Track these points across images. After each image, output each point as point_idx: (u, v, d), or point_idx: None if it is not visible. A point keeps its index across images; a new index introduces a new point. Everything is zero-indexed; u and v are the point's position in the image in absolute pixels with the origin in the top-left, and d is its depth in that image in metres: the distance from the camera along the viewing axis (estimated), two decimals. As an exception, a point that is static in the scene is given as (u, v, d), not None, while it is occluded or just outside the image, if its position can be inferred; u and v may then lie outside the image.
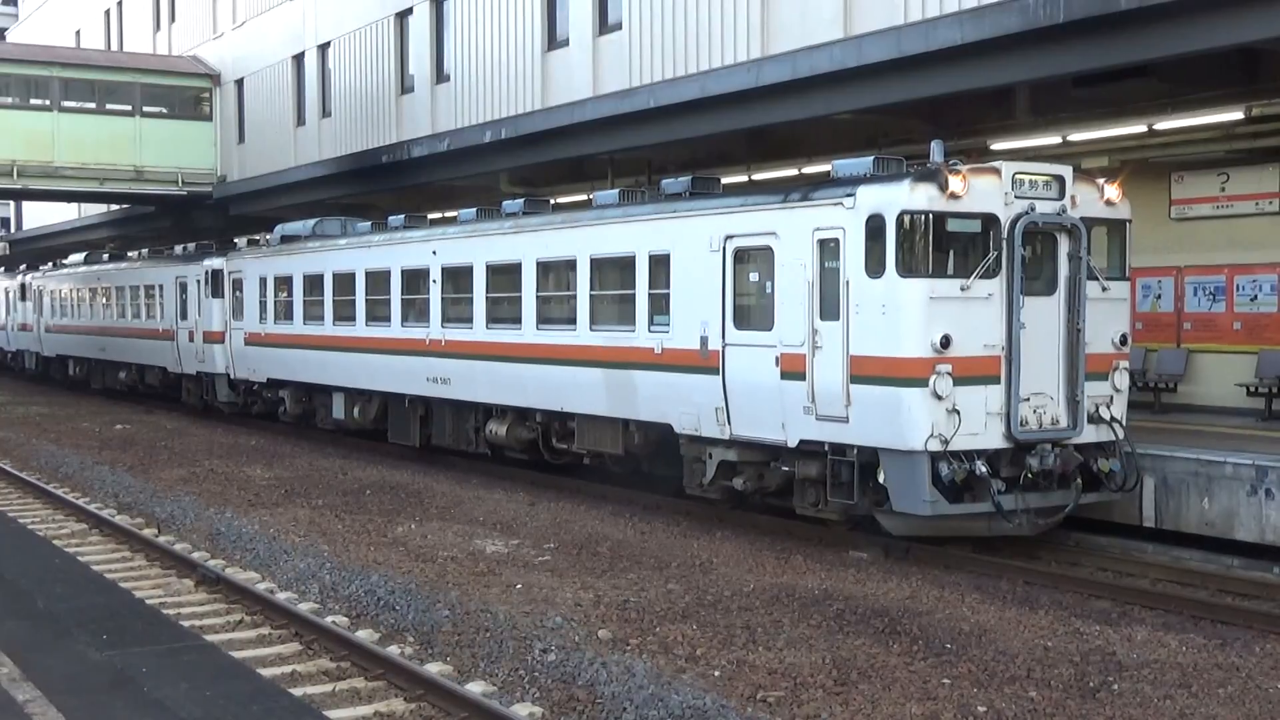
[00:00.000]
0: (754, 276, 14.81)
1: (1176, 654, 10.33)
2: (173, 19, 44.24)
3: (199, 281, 29.99)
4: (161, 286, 32.40)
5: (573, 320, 17.68)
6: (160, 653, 9.76)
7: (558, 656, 9.88)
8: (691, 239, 15.56)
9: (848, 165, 14.29)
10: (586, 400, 17.49)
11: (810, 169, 20.50)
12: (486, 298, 19.60)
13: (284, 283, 26.08)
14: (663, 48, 21.94)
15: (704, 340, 15.33)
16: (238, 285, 28.06)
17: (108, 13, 50.08)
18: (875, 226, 13.16)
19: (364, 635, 10.88)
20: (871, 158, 14.10)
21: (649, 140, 22.39)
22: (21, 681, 8.82)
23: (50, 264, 46.33)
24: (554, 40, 25.30)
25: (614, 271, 17.11)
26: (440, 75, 29.13)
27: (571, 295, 17.76)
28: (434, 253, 20.93)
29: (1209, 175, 18.60)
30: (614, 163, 24.98)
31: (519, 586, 12.37)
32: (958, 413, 12.94)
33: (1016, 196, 13.39)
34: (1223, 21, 13.98)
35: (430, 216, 26.34)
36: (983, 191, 13.24)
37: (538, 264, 18.47)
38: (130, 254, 38.30)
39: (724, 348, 15.05)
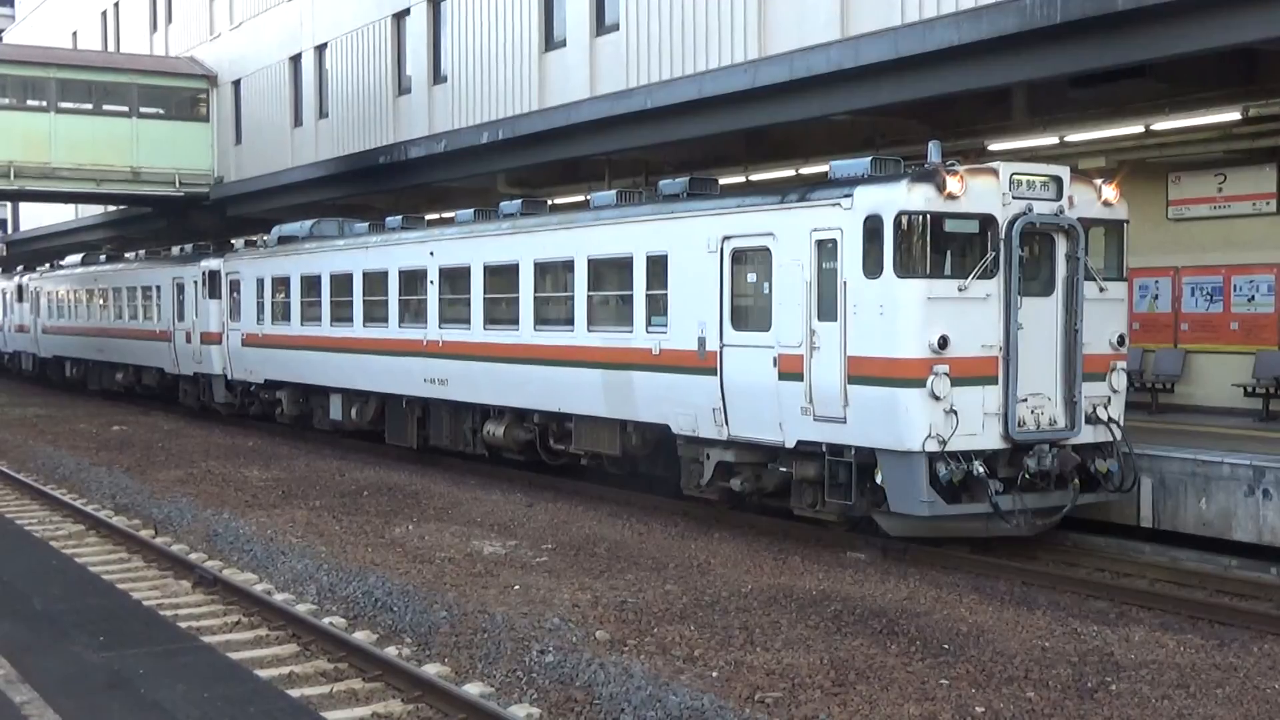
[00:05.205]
0: (751, 277, 14.80)
1: (1174, 654, 10.33)
2: (170, 20, 44.25)
3: (196, 282, 29.95)
4: (158, 287, 32.35)
5: (570, 321, 17.67)
6: (157, 654, 9.77)
7: (555, 657, 9.87)
8: (689, 240, 15.55)
9: (845, 166, 14.29)
10: (584, 401, 17.48)
11: (807, 170, 20.48)
12: (484, 299, 19.58)
13: (281, 284, 26.05)
14: (659, 49, 21.94)
15: (701, 341, 15.32)
16: (235, 286, 28.03)
17: (105, 14, 50.08)
18: (873, 227, 13.16)
19: (361, 636, 10.88)
20: (869, 158, 14.09)
21: (646, 141, 22.40)
22: (19, 683, 8.82)
23: (47, 265, 46.28)
24: (551, 41, 25.32)
25: (611, 272, 17.10)
26: (437, 76, 29.14)
27: (569, 296, 17.75)
28: (431, 254, 20.92)
29: (1206, 176, 18.60)
30: (611, 164, 24.99)
31: (516, 587, 12.36)
32: (955, 413, 12.94)
33: (1014, 197, 13.39)
34: (1220, 22, 13.99)
35: (428, 217, 26.33)
36: (980, 192, 13.24)
37: (535, 265, 18.46)
38: (127, 255, 38.26)
39: (721, 348, 15.05)
